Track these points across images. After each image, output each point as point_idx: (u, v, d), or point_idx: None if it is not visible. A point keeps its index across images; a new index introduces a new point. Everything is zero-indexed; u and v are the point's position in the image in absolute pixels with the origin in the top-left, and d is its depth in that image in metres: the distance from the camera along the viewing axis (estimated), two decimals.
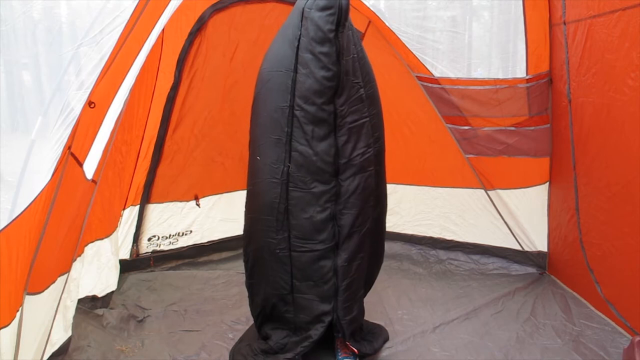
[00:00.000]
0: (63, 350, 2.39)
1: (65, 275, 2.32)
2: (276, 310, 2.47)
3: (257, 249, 2.45)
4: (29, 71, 1.96)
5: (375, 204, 2.47)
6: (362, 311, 2.55)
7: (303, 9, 2.23)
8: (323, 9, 2.17)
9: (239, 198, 4.01)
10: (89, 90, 1.83)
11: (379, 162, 2.48)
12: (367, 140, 2.38)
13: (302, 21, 2.24)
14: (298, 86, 2.24)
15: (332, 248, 2.36)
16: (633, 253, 2.48)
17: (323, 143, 2.29)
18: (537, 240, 3.53)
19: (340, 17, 2.18)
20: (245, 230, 2.54)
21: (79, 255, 2.61)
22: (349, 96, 2.30)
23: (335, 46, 2.20)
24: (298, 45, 2.24)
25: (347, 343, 2.47)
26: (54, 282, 2.13)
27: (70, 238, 2.32)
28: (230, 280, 3.55)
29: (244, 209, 2.53)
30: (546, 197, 3.42)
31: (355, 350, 2.47)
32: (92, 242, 2.89)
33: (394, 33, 3.37)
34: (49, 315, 2.16)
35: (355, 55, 2.34)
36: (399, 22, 3.36)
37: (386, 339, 2.72)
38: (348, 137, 2.31)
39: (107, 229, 3.08)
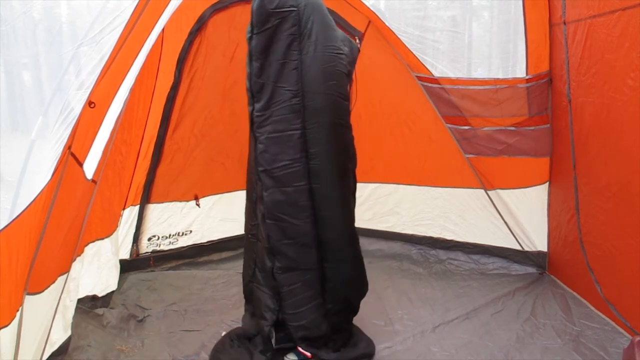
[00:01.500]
0: (63, 349, 2.39)
1: (65, 275, 2.32)
2: (248, 296, 2.60)
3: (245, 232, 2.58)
4: (29, 71, 1.96)
5: (313, 222, 2.34)
6: (318, 324, 2.44)
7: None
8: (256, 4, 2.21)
9: (239, 198, 3.99)
10: (89, 90, 1.83)
11: (318, 180, 2.31)
12: (294, 154, 2.26)
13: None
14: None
15: (269, 250, 2.37)
16: (633, 253, 2.48)
17: (253, 149, 2.31)
18: (537, 240, 3.53)
19: (252, 19, 2.18)
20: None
21: (79, 255, 2.61)
22: (272, 103, 2.22)
23: (249, 47, 2.21)
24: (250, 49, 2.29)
25: (297, 347, 2.45)
26: (53, 282, 2.13)
27: (70, 238, 2.32)
28: (230, 280, 3.54)
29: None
30: (546, 197, 3.42)
31: (308, 354, 2.44)
32: (92, 242, 2.89)
33: (394, 33, 3.37)
34: (48, 315, 2.17)
35: (294, 61, 2.22)
36: (399, 22, 3.36)
37: (366, 355, 2.59)
38: (266, 147, 2.25)
39: (107, 229, 3.08)
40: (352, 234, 2.53)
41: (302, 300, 2.40)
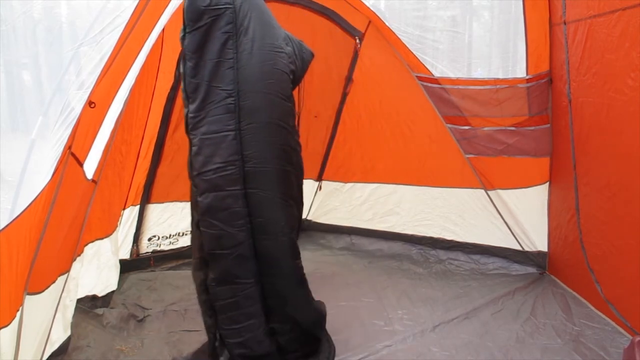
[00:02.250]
0: (63, 349, 2.39)
1: (65, 275, 2.32)
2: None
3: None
4: (29, 71, 1.96)
5: (249, 230, 2.18)
6: (258, 342, 2.26)
7: None
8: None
9: None
10: (89, 90, 1.84)
11: (254, 184, 2.17)
12: (228, 157, 2.11)
13: None
14: None
15: (202, 260, 2.22)
16: (633, 253, 2.48)
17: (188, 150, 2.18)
18: (537, 240, 3.53)
19: (184, 17, 2.11)
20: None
21: (79, 255, 2.62)
22: (207, 104, 2.10)
23: (182, 46, 2.14)
24: None
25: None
26: (54, 282, 2.13)
27: (70, 238, 2.32)
28: None
29: None
30: (546, 197, 3.42)
31: None
32: (92, 241, 2.89)
33: (394, 33, 3.36)
34: (49, 315, 2.17)
35: (230, 60, 2.11)
36: (399, 22, 3.36)
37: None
38: (199, 149, 2.11)
39: (107, 229, 3.08)
40: (292, 245, 2.31)
41: (239, 317, 2.23)
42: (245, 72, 2.12)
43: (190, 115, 2.11)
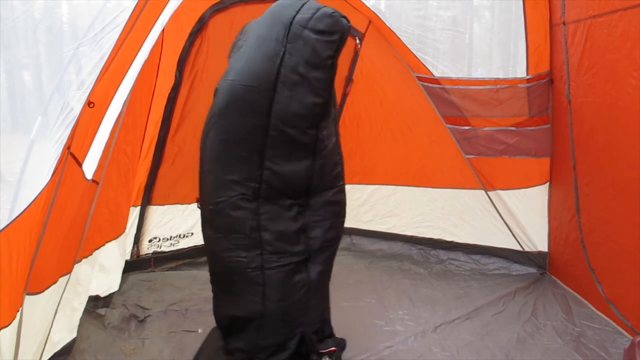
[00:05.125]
0: (66, 350, 2.39)
1: (67, 276, 2.32)
2: (243, 333, 2.33)
3: (224, 271, 2.31)
4: (30, 71, 1.96)
5: (344, 217, 2.44)
6: (326, 322, 2.46)
7: (291, 23, 2.04)
8: (323, 32, 2.03)
9: None
10: (88, 90, 1.83)
11: (344, 176, 2.44)
12: (336, 158, 2.35)
13: (287, 36, 2.04)
14: (277, 107, 2.07)
15: (304, 261, 2.28)
16: (634, 253, 2.48)
17: (300, 164, 2.18)
18: (538, 240, 3.52)
19: (341, 43, 2.06)
20: (209, 250, 2.38)
21: (86, 257, 2.61)
22: (330, 118, 2.26)
23: (330, 72, 2.11)
24: (281, 63, 2.04)
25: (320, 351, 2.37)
26: (55, 282, 2.13)
27: (71, 238, 2.32)
28: None
29: (201, 230, 2.37)
30: (547, 197, 3.42)
31: (333, 348, 2.39)
32: (103, 245, 2.89)
33: (394, 33, 3.36)
34: (48, 316, 2.16)
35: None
36: (400, 21, 3.36)
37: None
38: (325, 160, 2.24)
39: (116, 231, 3.09)
40: None
41: (323, 302, 2.50)
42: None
43: (322, 133, 2.23)
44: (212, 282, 2.43)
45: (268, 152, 2.12)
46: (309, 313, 2.31)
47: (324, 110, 2.15)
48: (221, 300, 2.40)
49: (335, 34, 2.04)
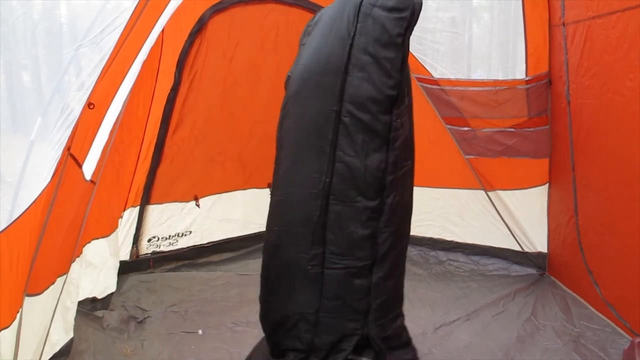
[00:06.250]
0: (65, 352, 2.39)
1: (64, 277, 2.31)
2: (295, 329, 2.23)
3: (282, 264, 2.22)
4: (29, 72, 1.95)
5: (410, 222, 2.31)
6: (398, 330, 2.32)
7: (361, 2, 1.99)
8: (392, 9, 1.95)
9: (239, 198, 4.01)
10: (89, 91, 1.83)
11: (413, 176, 2.27)
12: (408, 153, 2.18)
13: (357, 16, 1.98)
14: (349, 90, 2.00)
15: (369, 266, 2.15)
16: (632, 254, 2.48)
17: (374, 156, 2.04)
18: (537, 241, 3.53)
19: (412, 20, 1.97)
20: (269, 243, 2.29)
21: (77, 256, 2.61)
22: (404, 106, 2.09)
23: (401, 52, 1.97)
24: (352, 43, 1.98)
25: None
26: (53, 283, 2.13)
27: (69, 239, 2.32)
28: (230, 282, 3.54)
29: (266, 219, 2.30)
30: (546, 198, 3.42)
31: None
32: (89, 242, 2.88)
33: None
34: (47, 316, 2.16)
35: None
36: None
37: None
38: (400, 152, 2.08)
39: (105, 229, 3.06)
40: None
41: (391, 309, 2.31)
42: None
43: (395, 120, 2.08)
44: (264, 276, 2.31)
45: (341, 140, 2.04)
46: (369, 317, 2.20)
47: (396, 94, 2.01)
48: (275, 294, 2.28)
49: (406, 10, 1.94)
